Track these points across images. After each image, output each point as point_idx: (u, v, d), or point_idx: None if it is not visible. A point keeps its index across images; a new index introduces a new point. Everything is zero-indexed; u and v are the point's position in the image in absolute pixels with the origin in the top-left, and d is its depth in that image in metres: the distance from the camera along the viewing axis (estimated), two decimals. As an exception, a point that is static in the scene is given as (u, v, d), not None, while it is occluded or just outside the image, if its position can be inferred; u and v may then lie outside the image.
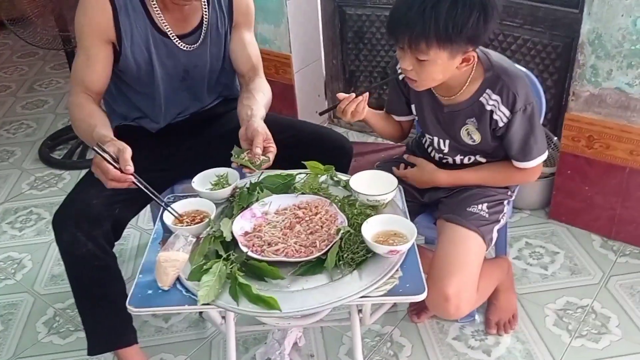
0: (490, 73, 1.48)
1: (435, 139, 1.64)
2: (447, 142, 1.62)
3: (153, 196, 1.35)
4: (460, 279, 1.45)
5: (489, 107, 1.49)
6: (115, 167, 1.29)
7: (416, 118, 1.68)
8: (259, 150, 1.42)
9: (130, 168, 1.29)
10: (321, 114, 1.65)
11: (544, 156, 1.55)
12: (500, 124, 1.49)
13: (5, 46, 4.57)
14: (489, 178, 1.61)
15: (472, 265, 1.50)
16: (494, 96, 1.47)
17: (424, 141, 1.73)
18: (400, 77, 1.60)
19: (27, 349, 1.92)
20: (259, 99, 1.61)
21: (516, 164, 1.56)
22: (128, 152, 1.31)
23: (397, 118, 1.73)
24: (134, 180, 1.31)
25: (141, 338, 1.68)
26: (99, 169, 1.31)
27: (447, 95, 1.54)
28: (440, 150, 1.65)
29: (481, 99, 1.49)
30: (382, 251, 1.23)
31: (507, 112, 1.48)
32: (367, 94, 1.52)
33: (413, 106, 1.65)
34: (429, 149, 1.71)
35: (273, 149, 1.45)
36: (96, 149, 1.28)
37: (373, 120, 1.67)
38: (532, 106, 1.48)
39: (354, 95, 1.51)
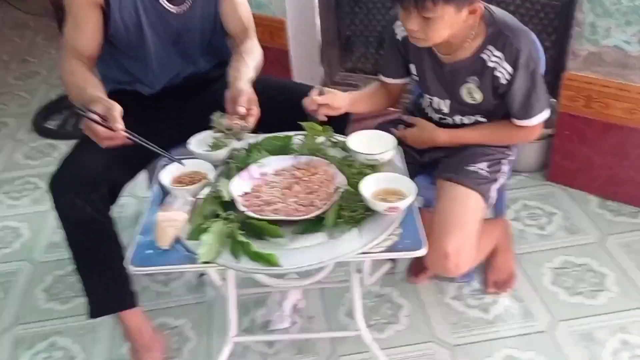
0: (493, 29, 1.45)
1: (435, 99, 1.62)
2: (447, 102, 1.60)
3: (150, 147, 1.34)
4: (460, 237, 1.46)
5: (491, 64, 1.47)
6: (105, 127, 1.27)
7: (416, 78, 1.65)
8: (241, 110, 1.40)
9: (120, 126, 1.28)
10: None
11: (546, 114, 1.53)
12: (503, 81, 1.48)
13: (-5, 18, 4.51)
14: (489, 136, 1.60)
15: (472, 223, 1.50)
16: (497, 52, 1.45)
17: (422, 102, 1.71)
18: (399, 37, 1.58)
19: (28, 315, 1.93)
20: (248, 62, 1.60)
21: (517, 122, 1.54)
22: (117, 109, 1.29)
23: (389, 80, 1.69)
24: (128, 136, 1.29)
25: (142, 302, 1.68)
26: (90, 131, 1.30)
27: (447, 53, 1.51)
28: (439, 111, 1.64)
29: (483, 55, 1.47)
30: (381, 208, 1.23)
31: (510, 69, 1.46)
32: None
33: (413, 66, 1.63)
34: (427, 110, 1.69)
35: (255, 111, 1.43)
36: (81, 110, 1.27)
37: (354, 108, 1.64)
38: (535, 62, 1.46)
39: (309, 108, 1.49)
